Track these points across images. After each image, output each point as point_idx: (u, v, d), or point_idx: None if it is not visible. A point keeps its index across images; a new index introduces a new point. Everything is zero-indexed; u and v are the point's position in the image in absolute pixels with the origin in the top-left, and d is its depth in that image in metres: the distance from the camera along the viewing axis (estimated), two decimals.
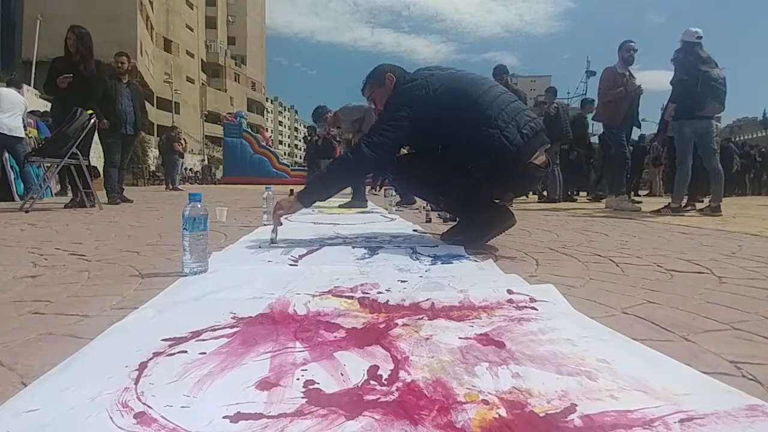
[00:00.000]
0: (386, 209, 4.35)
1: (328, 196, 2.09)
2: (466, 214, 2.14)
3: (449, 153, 2.01)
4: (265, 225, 2.90)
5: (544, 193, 7.39)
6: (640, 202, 6.06)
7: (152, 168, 21.76)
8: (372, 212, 4.21)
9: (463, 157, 1.96)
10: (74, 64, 4.42)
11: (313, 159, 10.41)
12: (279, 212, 2.03)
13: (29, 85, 11.15)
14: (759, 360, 0.78)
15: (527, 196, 8.25)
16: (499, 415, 0.57)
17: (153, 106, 32.94)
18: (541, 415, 0.58)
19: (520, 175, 1.98)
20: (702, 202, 4.98)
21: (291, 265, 1.60)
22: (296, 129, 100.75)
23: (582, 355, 0.77)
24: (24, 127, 5.39)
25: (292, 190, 4.23)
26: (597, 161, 11.76)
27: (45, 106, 7.15)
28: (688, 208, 4.78)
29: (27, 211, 3.82)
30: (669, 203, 4.63)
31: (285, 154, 60.62)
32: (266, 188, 3.18)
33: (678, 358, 0.76)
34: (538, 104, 7.58)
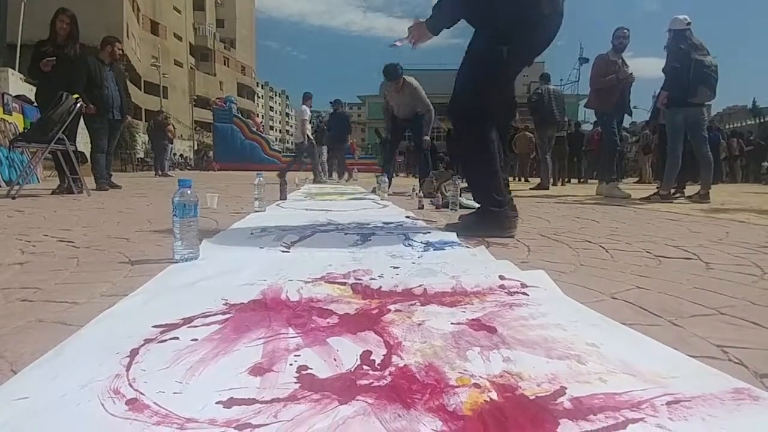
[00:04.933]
0: (379, 196, 4.35)
1: (445, 21, 2.07)
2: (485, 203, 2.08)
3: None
4: (257, 211, 2.89)
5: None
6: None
7: (140, 154, 21.32)
8: (364, 199, 4.20)
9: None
10: (59, 48, 4.31)
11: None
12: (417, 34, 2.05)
13: (14, 68, 10.85)
14: (745, 344, 0.79)
15: (521, 180, 8.26)
16: (491, 399, 0.58)
17: (140, 90, 32.24)
18: (532, 397, 0.59)
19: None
20: (683, 192, 5.01)
21: (283, 251, 1.60)
22: (287, 114, 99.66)
23: (572, 340, 0.78)
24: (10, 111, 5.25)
25: (279, 174, 4.21)
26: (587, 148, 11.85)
27: (30, 90, 6.97)
28: (677, 195, 4.83)
29: (14, 198, 3.75)
30: (658, 190, 4.68)
31: (276, 140, 59.94)
32: (257, 174, 3.16)
33: (666, 342, 0.78)
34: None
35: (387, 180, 4.52)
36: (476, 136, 2.02)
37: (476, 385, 0.61)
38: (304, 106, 8.23)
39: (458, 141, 2.23)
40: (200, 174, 14.60)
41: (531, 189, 6.89)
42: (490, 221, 2.00)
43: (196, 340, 0.76)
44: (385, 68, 5.11)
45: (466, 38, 2.09)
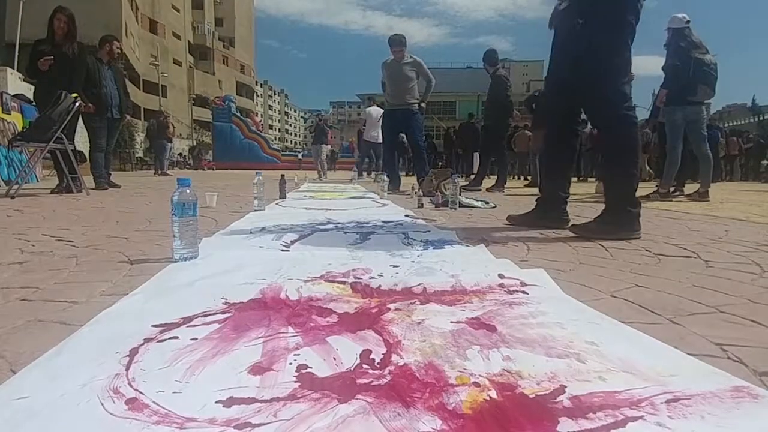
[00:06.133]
0: (378, 194, 4.34)
1: None
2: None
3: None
4: (256, 210, 2.89)
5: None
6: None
7: (139, 153, 21.24)
8: (364, 197, 4.20)
9: None
10: (57, 47, 4.30)
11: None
12: None
13: (13, 68, 10.83)
14: (744, 342, 0.79)
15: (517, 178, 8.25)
16: (490, 397, 0.58)
17: (139, 89, 32.18)
18: (531, 396, 0.59)
19: None
20: (682, 191, 5.00)
21: (283, 250, 1.60)
22: (286, 113, 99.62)
23: (571, 338, 0.78)
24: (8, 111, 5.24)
25: (283, 175, 4.23)
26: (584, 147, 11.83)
27: (29, 89, 6.95)
28: (677, 193, 4.83)
29: (13, 197, 3.74)
30: (658, 188, 4.68)
31: (275, 138, 59.81)
32: (257, 173, 3.15)
33: (665, 340, 0.78)
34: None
35: (386, 179, 4.52)
36: (621, 127, 2.05)
37: (476, 384, 0.61)
38: (375, 107, 8.66)
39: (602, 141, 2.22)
40: (199, 173, 14.59)
41: (526, 186, 6.90)
42: (627, 222, 1.92)
43: (196, 339, 0.76)
44: (390, 36, 5.24)
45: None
